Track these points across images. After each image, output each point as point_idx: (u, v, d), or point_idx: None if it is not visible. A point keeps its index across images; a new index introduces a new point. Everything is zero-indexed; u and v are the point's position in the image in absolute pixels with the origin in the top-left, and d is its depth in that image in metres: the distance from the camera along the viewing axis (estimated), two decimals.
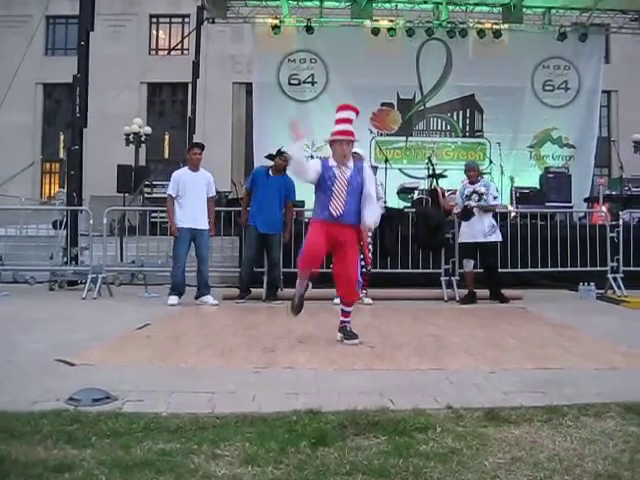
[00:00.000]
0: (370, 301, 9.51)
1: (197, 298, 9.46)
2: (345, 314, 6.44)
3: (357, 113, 6.39)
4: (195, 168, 9.47)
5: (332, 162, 6.28)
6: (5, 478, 2.78)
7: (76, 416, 3.62)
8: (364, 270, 9.36)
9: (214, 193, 9.69)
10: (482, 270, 9.94)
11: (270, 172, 9.69)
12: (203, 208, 9.42)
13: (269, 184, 9.57)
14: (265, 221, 9.50)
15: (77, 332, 6.74)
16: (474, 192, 9.78)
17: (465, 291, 9.88)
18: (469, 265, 9.85)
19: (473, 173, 10.01)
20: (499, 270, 10.13)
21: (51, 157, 31.24)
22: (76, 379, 4.49)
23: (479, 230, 9.70)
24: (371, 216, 6.27)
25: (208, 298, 9.40)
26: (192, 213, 9.29)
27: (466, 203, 9.77)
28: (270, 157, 9.94)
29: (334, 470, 2.94)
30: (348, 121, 6.29)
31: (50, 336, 6.47)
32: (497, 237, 9.85)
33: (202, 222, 9.39)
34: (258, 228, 9.56)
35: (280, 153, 9.66)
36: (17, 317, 7.98)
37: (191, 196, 9.32)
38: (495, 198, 9.92)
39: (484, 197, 9.75)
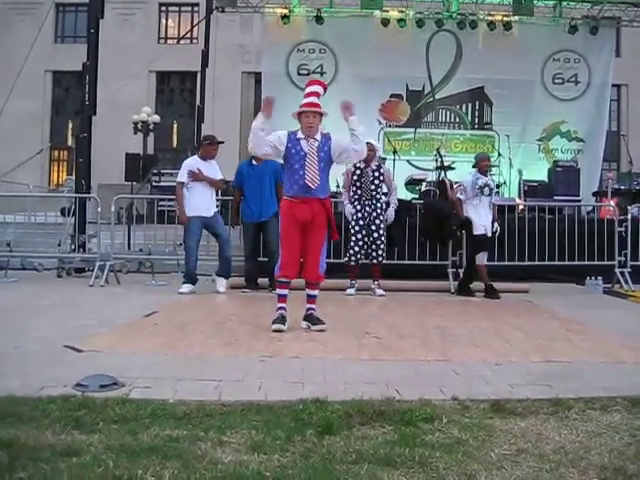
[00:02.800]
0: (383, 292, 9.49)
1: (217, 275, 9.50)
2: (311, 300, 6.51)
3: (325, 88, 6.53)
4: (206, 158, 9.46)
5: (300, 135, 6.34)
6: (14, 462, 2.79)
7: (84, 402, 3.64)
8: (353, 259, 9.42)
9: (221, 177, 9.63)
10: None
11: (253, 161, 9.61)
12: (212, 196, 9.43)
13: (254, 173, 9.47)
14: (258, 210, 9.39)
15: (84, 319, 6.77)
16: (486, 185, 9.64)
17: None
18: (484, 258, 9.73)
19: (486, 163, 9.86)
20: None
21: (60, 145, 31.34)
22: (83, 365, 4.51)
23: (487, 224, 9.62)
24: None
25: (221, 282, 9.40)
26: (202, 202, 9.26)
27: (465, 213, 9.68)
28: None
29: (340, 459, 2.95)
30: (315, 94, 6.38)
31: (58, 323, 6.50)
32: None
33: (212, 209, 9.40)
34: (253, 219, 9.49)
35: None
36: (25, 303, 8.02)
37: (201, 185, 9.30)
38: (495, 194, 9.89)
39: (493, 192, 9.68)
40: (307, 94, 6.43)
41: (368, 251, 9.54)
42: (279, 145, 6.34)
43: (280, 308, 6.40)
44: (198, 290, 9.32)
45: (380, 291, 9.51)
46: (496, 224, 9.78)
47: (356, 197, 9.49)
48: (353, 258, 9.50)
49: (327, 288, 8.69)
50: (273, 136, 6.38)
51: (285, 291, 6.46)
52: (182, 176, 9.39)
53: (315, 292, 6.54)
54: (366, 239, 9.48)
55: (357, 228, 9.41)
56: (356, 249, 9.47)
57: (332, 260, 9.90)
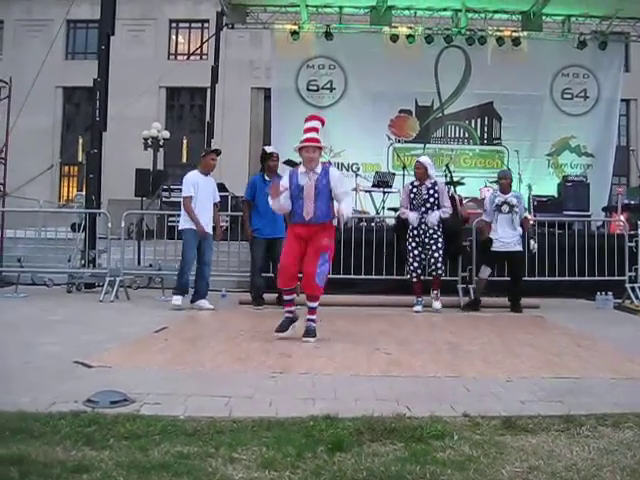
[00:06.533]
0: (439, 306, 9.52)
1: (193, 302, 9.34)
2: (310, 311, 6.79)
3: (323, 123, 7.04)
4: (206, 172, 9.47)
5: (302, 169, 6.84)
6: (25, 478, 2.80)
7: (94, 418, 3.64)
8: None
9: (219, 199, 9.65)
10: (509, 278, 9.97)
11: (265, 177, 9.54)
12: (210, 211, 9.37)
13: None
14: (270, 226, 9.25)
15: (94, 334, 6.78)
16: (505, 202, 9.69)
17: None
18: (486, 272, 9.81)
19: (505, 182, 9.92)
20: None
21: (70, 160, 31.43)
22: (94, 381, 4.52)
23: (505, 241, 9.66)
24: (346, 209, 6.76)
25: (204, 302, 9.31)
26: (202, 216, 9.22)
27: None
28: (288, 163, 9.88)
29: (351, 476, 2.94)
30: (314, 130, 6.86)
31: (68, 338, 6.51)
32: (521, 247, 9.79)
33: (209, 225, 9.33)
34: (264, 234, 9.42)
35: (270, 155, 9.66)
36: (35, 319, 8.04)
37: (202, 199, 9.28)
38: (525, 210, 9.82)
39: (515, 209, 9.65)
40: (307, 129, 6.87)
41: (428, 266, 9.68)
42: (287, 190, 6.84)
43: (286, 312, 6.91)
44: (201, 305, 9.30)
45: (437, 304, 9.53)
46: (532, 242, 9.80)
47: None
48: (414, 274, 9.60)
49: (337, 304, 8.69)
50: (284, 191, 6.83)
51: (290, 297, 6.90)
52: (188, 190, 9.26)
53: (313, 304, 6.78)
54: (423, 255, 9.58)
55: (413, 244, 9.55)
56: (415, 265, 9.57)
57: (344, 276, 10.02)
